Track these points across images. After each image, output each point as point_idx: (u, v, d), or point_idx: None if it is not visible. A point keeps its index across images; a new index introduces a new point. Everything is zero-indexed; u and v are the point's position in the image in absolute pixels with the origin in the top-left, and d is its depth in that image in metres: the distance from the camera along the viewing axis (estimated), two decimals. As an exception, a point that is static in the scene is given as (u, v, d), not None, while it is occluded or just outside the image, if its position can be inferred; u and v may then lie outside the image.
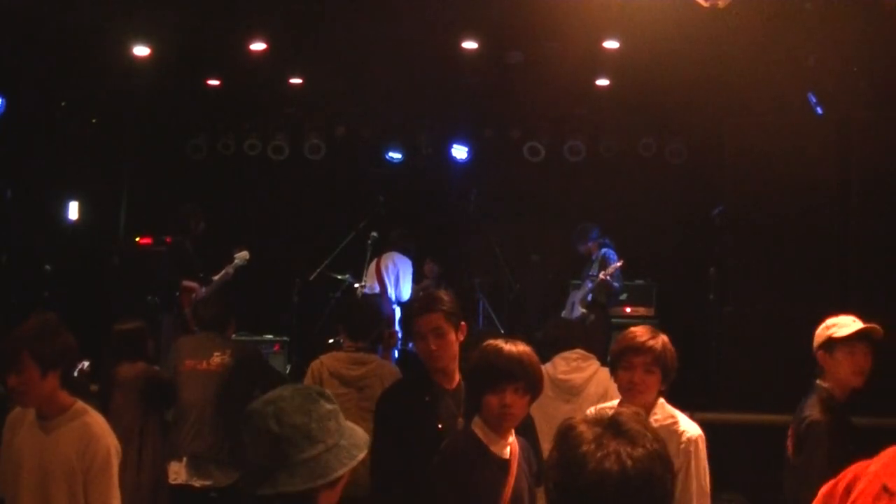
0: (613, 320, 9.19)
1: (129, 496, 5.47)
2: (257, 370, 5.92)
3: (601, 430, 1.70)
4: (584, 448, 1.68)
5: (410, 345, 8.53)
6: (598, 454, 1.66)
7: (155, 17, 7.75)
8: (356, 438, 2.16)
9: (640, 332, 3.54)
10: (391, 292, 8.59)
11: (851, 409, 3.99)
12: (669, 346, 3.51)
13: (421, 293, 3.76)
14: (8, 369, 3.35)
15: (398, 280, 8.67)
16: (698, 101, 8.96)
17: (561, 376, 5.10)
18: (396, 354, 7.93)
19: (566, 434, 1.75)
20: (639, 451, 1.67)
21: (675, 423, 3.52)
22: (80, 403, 3.50)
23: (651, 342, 3.47)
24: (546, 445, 5.09)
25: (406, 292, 8.68)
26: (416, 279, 9.37)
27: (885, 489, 2.30)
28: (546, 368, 5.09)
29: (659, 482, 1.68)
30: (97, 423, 3.47)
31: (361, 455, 2.13)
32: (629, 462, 1.65)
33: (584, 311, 8.73)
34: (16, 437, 3.51)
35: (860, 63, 7.57)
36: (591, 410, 3.14)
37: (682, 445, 3.45)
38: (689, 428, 3.53)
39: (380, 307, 6.86)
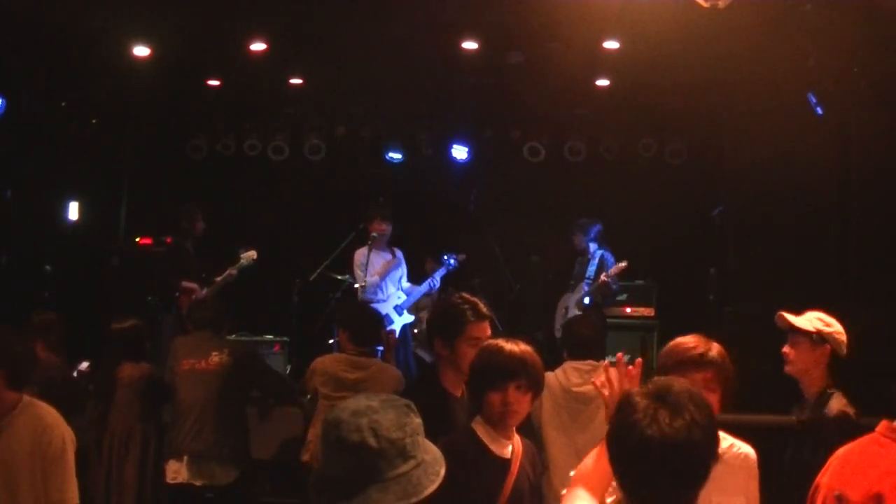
0: (613, 320, 9.19)
1: (133, 495, 5.50)
2: (256, 370, 5.94)
3: (650, 401, 2.01)
4: (635, 416, 1.99)
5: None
6: (645, 422, 1.97)
7: (155, 18, 7.75)
8: (435, 453, 2.06)
9: (698, 344, 3.08)
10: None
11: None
12: (724, 353, 3.12)
13: (461, 296, 3.75)
14: None
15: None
16: (698, 101, 8.96)
17: (574, 389, 5.07)
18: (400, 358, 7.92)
19: (624, 404, 2.06)
20: (678, 422, 1.96)
21: (732, 445, 3.13)
22: (28, 398, 3.54)
23: (712, 354, 3.06)
24: (559, 454, 5.08)
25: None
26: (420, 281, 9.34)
27: (839, 499, 2.36)
28: (557, 377, 5.08)
29: (697, 448, 1.97)
30: (49, 413, 3.53)
31: (443, 471, 2.03)
32: (668, 430, 1.95)
33: (579, 313, 8.70)
34: None
35: (860, 63, 7.56)
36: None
37: (750, 470, 3.11)
38: (749, 450, 3.15)
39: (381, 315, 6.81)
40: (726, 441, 3.06)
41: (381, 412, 1.97)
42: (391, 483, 1.93)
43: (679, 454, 1.95)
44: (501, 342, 3.15)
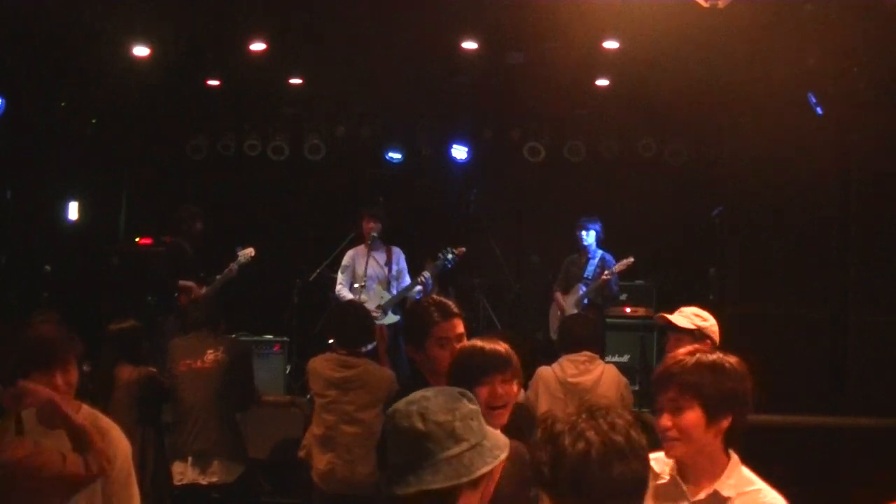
0: (613, 320, 9.19)
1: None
2: (242, 369, 5.90)
3: (576, 416, 2.03)
4: (563, 433, 2.00)
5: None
6: (574, 433, 1.98)
7: (155, 18, 7.75)
8: (498, 440, 2.12)
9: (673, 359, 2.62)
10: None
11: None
12: (713, 363, 2.55)
13: (429, 298, 3.67)
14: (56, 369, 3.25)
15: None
16: (698, 101, 8.95)
17: (571, 379, 5.09)
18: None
19: (546, 426, 2.06)
20: (606, 426, 1.97)
21: (759, 490, 2.55)
22: (87, 407, 3.37)
23: (679, 364, 2.55)
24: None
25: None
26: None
27: None
28: (554, 370, 5.09)
29: (638, 457, 1.96)
30: (111, 426, 3.36)
31: (503, 455, 2.09)
32: (600, 437, 1.96)
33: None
34: None
35: (860, 63, 7.56)
36: None
37: None
38: (775, 499, 2.54)
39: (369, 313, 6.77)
40: (753, 485, 2.55)
41: (433, 399, 2.07)
42: (442, 464, 2.00)
43: (616, 461, 1.94)
44: (478, 342, 3.13)
